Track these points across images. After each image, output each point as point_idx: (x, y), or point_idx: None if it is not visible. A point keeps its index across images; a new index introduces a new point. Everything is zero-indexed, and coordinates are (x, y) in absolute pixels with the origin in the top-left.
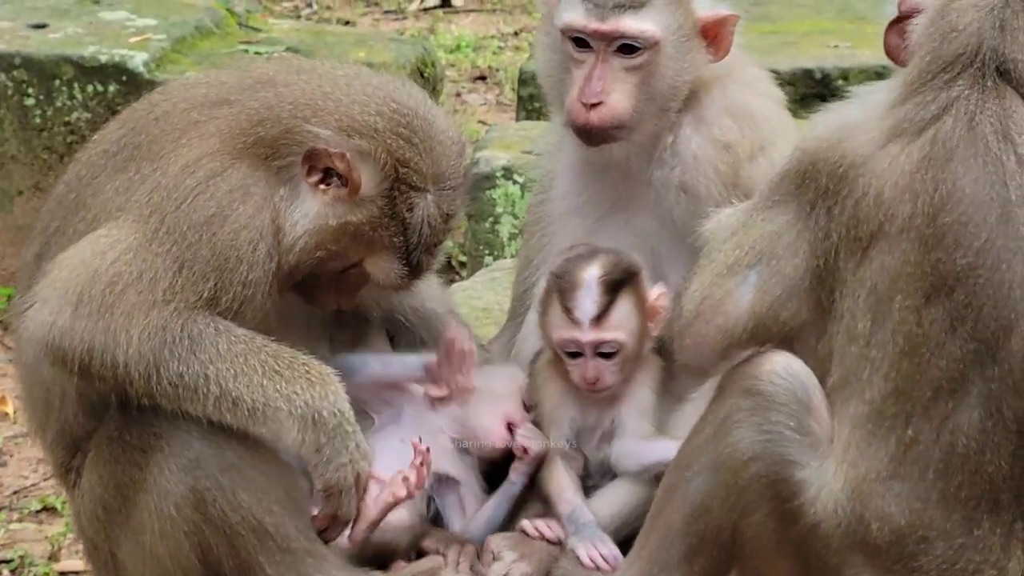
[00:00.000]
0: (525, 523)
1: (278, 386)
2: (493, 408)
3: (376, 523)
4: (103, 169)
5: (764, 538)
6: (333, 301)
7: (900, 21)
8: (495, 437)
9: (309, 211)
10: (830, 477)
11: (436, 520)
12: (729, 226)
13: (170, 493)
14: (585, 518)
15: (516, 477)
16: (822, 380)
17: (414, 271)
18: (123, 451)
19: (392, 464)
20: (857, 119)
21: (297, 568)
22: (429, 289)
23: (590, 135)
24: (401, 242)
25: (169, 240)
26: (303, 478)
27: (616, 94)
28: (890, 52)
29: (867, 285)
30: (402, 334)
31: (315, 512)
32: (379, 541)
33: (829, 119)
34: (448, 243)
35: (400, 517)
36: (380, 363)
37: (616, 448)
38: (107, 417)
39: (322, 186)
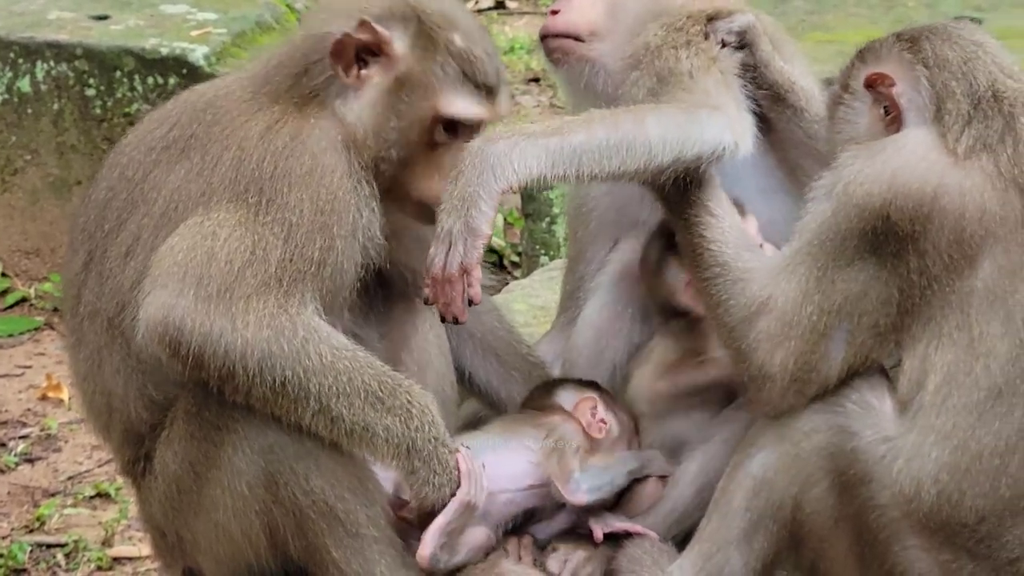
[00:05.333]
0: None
1: (379, 414)
2: None
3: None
4: (156, 164)
5: (823, 514)
6: (437, 188)
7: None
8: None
9: (366, 101)
10: (919, 458)
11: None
12: (799, 289)
13: (243, 472)
14: None
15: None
16: (912, 388)
17: (490, 93)
18: (200, 427)
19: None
20: (906, 160)
21: (363, 553)
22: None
23: (546, 43)
24: (457, 69)
25: (273, 208)
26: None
27: (580, 3)
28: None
29: (978, 292)
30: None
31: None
32: (457, 563)
33: (869, 171)
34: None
35: (477, 536)
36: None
37: None
38: (184, 394)
39: (362, 73)
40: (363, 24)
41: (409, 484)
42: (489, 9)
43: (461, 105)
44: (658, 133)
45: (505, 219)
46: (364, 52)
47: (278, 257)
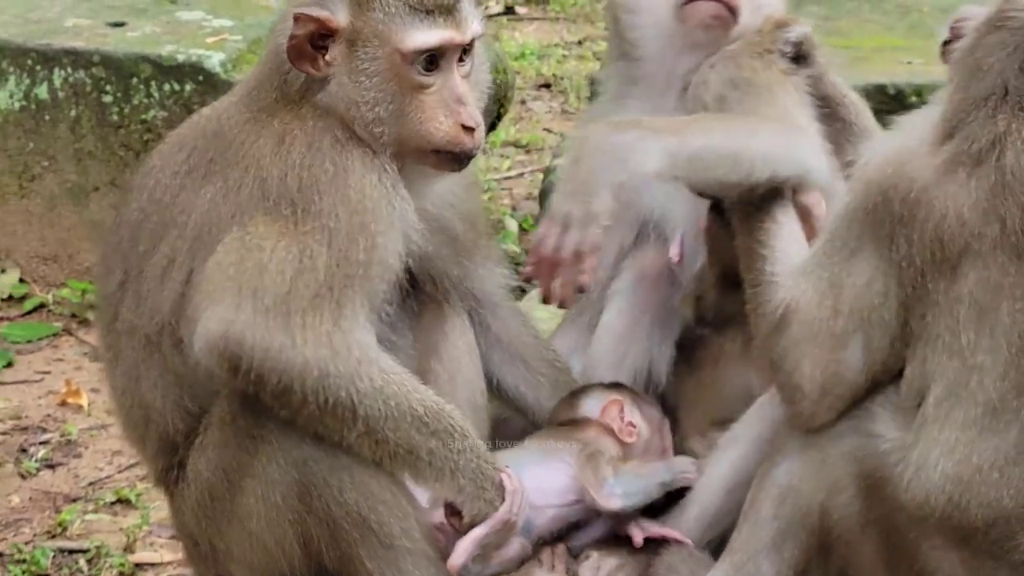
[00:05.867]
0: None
1: (424, 437)
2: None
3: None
4: (182, 188)
5: (851, 520)
6: (448, 125)
7: (950, 43)
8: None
9: (339, 79)
10: (928, 470)
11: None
12: (816, 290)
13: (277, 483)
14: None
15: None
16: (913, 396)
17: (448, 13)
18: (234, 435)
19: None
20: (910, 147)
21: (397, 564)
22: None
23: (707, 7)
24: (400, 4)
25: (309, 217)
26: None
27: None
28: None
29: (965, 301)
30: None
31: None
32: (489, 574)
33: (882, 151)
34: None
35: (513, 548)
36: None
37: None
38: (219, 401)
39: (327, 58)
40: (298, 18)
41: (460, 502)
42: (499, 15)
43: (419, 36)
44: (762, 150)
45: (520, 225)
46: (318, 40)
47: (325, 263)
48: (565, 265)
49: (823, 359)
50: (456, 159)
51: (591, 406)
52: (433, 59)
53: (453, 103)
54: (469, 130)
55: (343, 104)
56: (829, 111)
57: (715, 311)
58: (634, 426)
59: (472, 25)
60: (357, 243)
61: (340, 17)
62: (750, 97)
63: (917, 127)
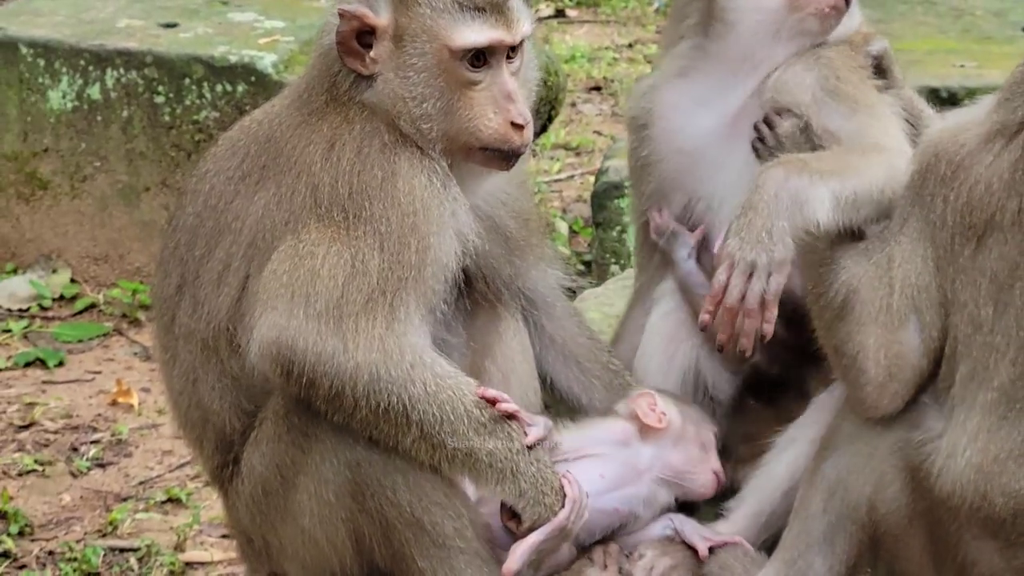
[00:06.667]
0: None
1: (482, 439)
2: (704, 462)
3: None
4: (236, 194)
5: (897, 514)
6: (497, 122)
7: None
8: (708, 490)
9: (386, 76)
10: (956, 458)
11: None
12: (876, 266)
13: (330, 481)
14: None
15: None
16: (948, 375)
17: (498, 12)
18: (288, 431)
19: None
20: (971, 116)
21: (450, 563)
22: (546, 273)
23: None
24: (447, 1)
25: (361, 222)
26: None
27: None
28: None
29: (987, 274)
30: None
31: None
32: None
33: (950, 116)
34: None
35: (563, 554)
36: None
37: None
38: (274, 396)
39: (372, 55)
40: (342, 15)
41: (520, 506)
42: (549, 18)
43: (469, 34)
44: (895, 187)
45: (571, 227)
46: (363, 38)
47: (377, 267)
48: (752, 315)
49: (885, 339)
50: (505, 157)
51: (620, 404)
52: (481, 56)
53: (502, 100)
54: (518, 127)
55: (390, 101)
56: (910, 127)
57: (785, 347)
58: (665, 413)
59: (522, 25)
60: (409, 245)
61: (382, 15)
62: (858, 116)
63: (982, 102)
